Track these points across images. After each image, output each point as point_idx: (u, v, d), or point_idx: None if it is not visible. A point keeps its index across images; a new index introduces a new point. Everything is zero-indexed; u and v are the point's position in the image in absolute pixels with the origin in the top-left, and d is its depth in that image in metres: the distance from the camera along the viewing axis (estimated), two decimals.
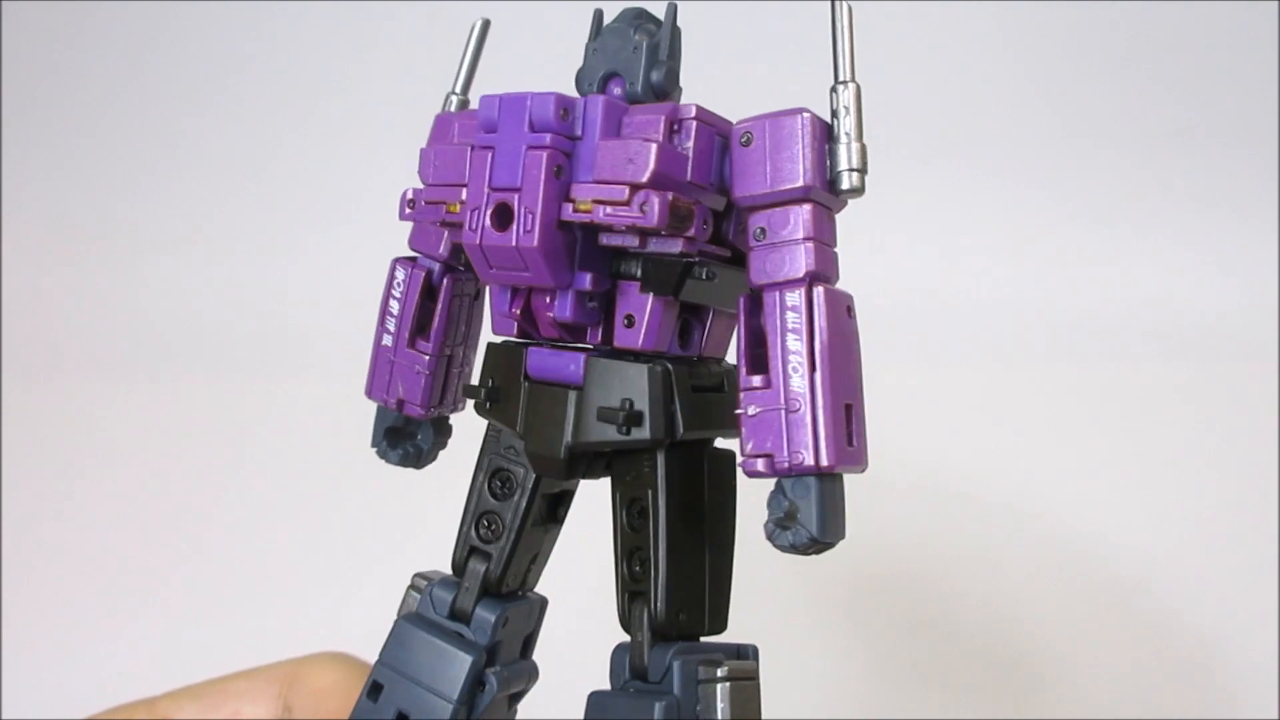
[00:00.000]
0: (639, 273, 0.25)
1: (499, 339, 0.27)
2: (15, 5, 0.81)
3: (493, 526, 0.28)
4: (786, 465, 0.23)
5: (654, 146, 0.24)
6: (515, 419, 0.27)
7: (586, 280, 0.25)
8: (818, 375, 0.24)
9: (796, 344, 0.24)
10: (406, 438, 0.29)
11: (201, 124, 0.84)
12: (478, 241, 0.24)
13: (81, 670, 0.54)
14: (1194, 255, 0.77)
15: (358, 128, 0.82)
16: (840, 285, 0.25)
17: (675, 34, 0.25)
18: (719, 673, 0.25)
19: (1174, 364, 0.72)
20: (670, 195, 0.24)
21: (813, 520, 0.23)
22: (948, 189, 0.79)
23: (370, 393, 0.29)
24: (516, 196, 0.24)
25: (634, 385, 0.25)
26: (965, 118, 0.79)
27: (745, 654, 0.26)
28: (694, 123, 0.25)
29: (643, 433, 0.25)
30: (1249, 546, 0.60)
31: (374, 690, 0.28)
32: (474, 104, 0.27)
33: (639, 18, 0.26)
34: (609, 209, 0.24)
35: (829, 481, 0.24)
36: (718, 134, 0.25)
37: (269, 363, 0.76)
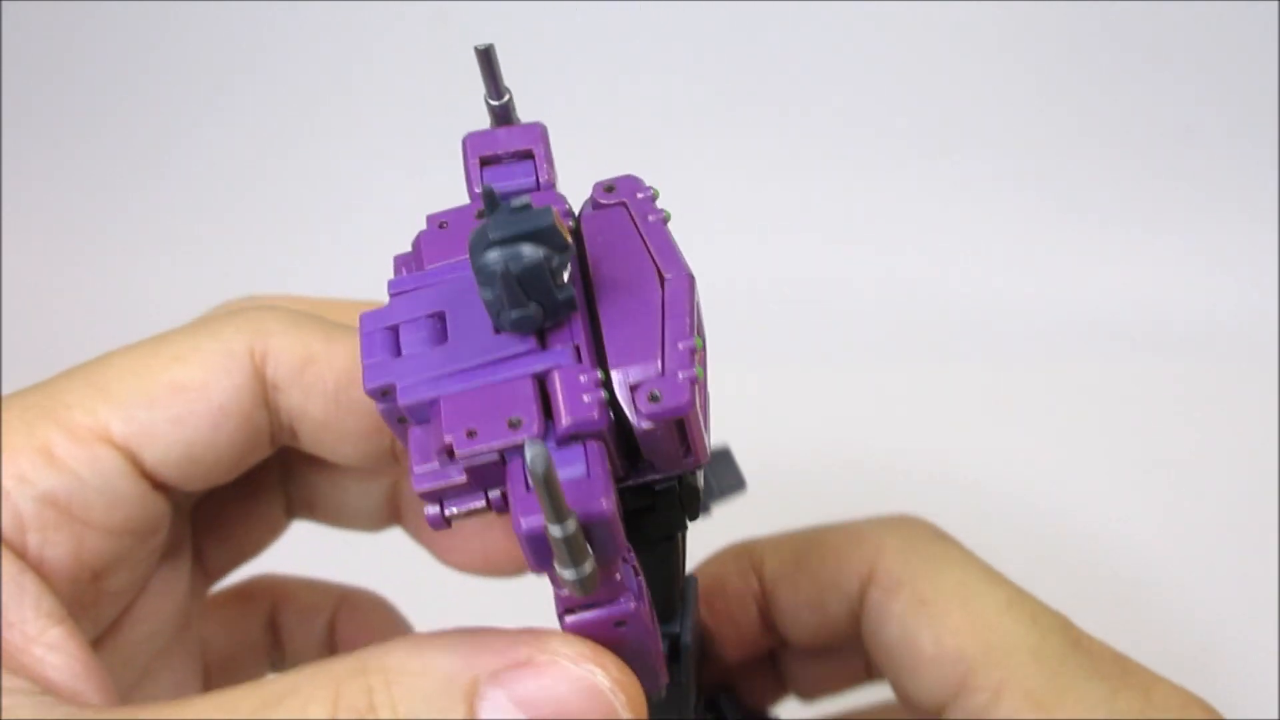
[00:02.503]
0: None
1: None
2: (15, 5, 0.81)
3: None
4: None
5: None
6: None
7: None
8: None
9: None
10: None
11: (203, 125, 0.84)
12: None
13: None
14: (1194, 255, 0.77)
15: (360, 129, 0.82)
16: None
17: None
18: None
19: (1174, 364, 0.72)
20: None
21: None
22: (945, 188, 0.79)
23: None
24: None
25: None
26: (964, 118, 0.79)
27: None
28: None
29: None
30: (1250, 546, 0.60)
31: None
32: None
33: None
34: None
35: None
36: None
37: None
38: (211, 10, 0.81)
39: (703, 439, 0.25)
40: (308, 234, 0.82)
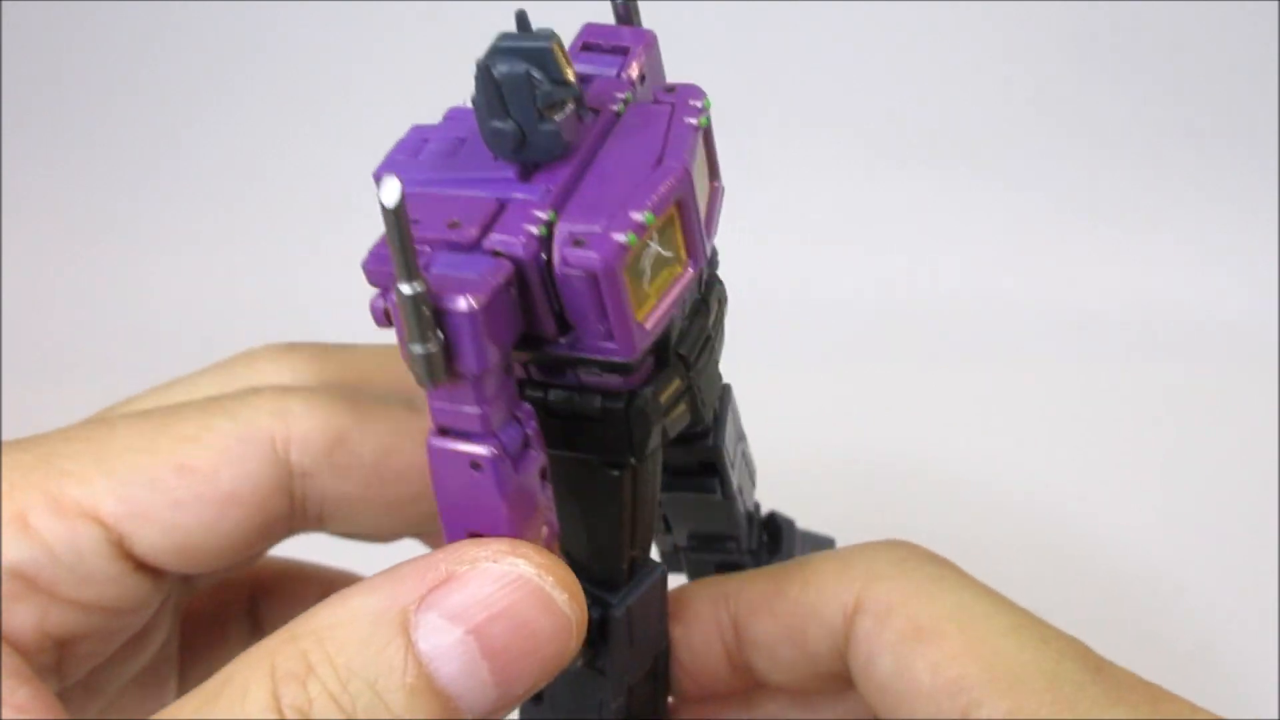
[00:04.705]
0: None
1: None
2: (15, 5, 0.81)
3: None
4: None
5: None
6: None
7: None
8: (441, 511, 0.25)
9: None
10: None
11: (204, 124, 0.84)
12: None
13: None
14: (1194, 255, 0.77)
15: (359, 127, 0.82)
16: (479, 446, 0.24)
17: None
18: None
19: (1174, 363, 0.72)
20: None
21: None
22: (946, 188, 0.79)
23: None
24: None
25: None
26: (964, 117, 0.79)
27: None
28: None
29: None
30: (1250, 546, 0.60)
31: None
32: None
33: None
34: None
35: None
36: None
37: None
38: (211, 10, 0.81)
39: (627, 324, 0.24)
40: (309, 232, 0.82)
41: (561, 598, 0.24)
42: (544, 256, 0.24)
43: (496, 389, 0.24)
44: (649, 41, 0.28)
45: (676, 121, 0.26)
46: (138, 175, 0.85)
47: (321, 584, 0.39)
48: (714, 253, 0.30)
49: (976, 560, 0.59)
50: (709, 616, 0.32)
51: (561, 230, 0.24)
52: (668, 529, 0.35)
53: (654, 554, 0.32)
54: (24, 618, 0.26)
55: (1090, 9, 0.76)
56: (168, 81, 0.84)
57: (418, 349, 0.22)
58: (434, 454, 0.24)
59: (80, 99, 0.85)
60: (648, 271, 0.24)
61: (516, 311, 0.24)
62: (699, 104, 0.27)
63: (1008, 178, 0.79)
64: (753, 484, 0.36)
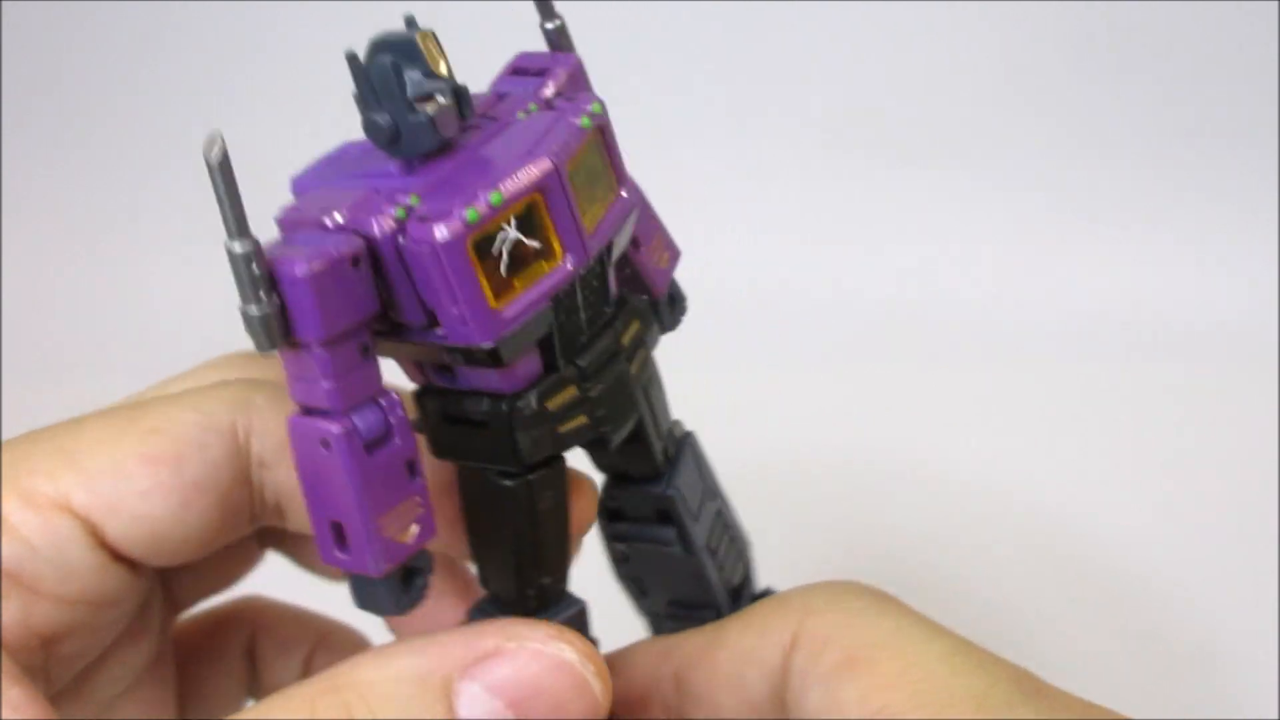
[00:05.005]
0: None
1: None
2: (15, 5, 0.81)
3: None
4: None
5: None
6: None
7: None
8: (304, 494, 0.25)
9: None
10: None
11: (204, 124, 0.84)
12: None
13: None
14: (1194, 255, 0.77)
15: (359, 128, 0.82)
16: (324, 420, 0.24)
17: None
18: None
19: (1174, 364, 0.72)
20: None
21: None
22: (946, 189, 0.79)
23: None
24: None
25: None
26: (964, 118, 0.79)
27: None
28: None
29: None
30: (1249, 546, 0.60)
31: None
32: None
33: None
34: None
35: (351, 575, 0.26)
36: None
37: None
38: (211, 10, 0.81)
39: (477, 304, 0.24)
40: None
41: (598, 686, 0.25)
42: (402, 240, 0.24)
43: (349, 366, 0.24)
44: (572, 65, 0.29)
45: (561, 121, 0.26)
46: (138, 175, 0.85)
47: (316, 630, 0.39)
48: (681, 296, 0.30)
49: (977, 561, 0.59)
50: (648, 673, 0.31)
51: (417, 211, 0.24)
52: (644, 593, 0.34)
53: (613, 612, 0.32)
54: (9, 616, 0.26)
55: (1089, 8, 0.76)
56: (167, 81, 0.84)
57: (249, 309, 0.23)
58: (291, 430, 0.24)
59: (80, 99, 0.85)
60: (505, 257, 0.24)
61: (368, 289, 0.24)
62: (587, 107, 0.27)
63: (1008, 178, 0.79)
64: (740, 556, 0.35)
